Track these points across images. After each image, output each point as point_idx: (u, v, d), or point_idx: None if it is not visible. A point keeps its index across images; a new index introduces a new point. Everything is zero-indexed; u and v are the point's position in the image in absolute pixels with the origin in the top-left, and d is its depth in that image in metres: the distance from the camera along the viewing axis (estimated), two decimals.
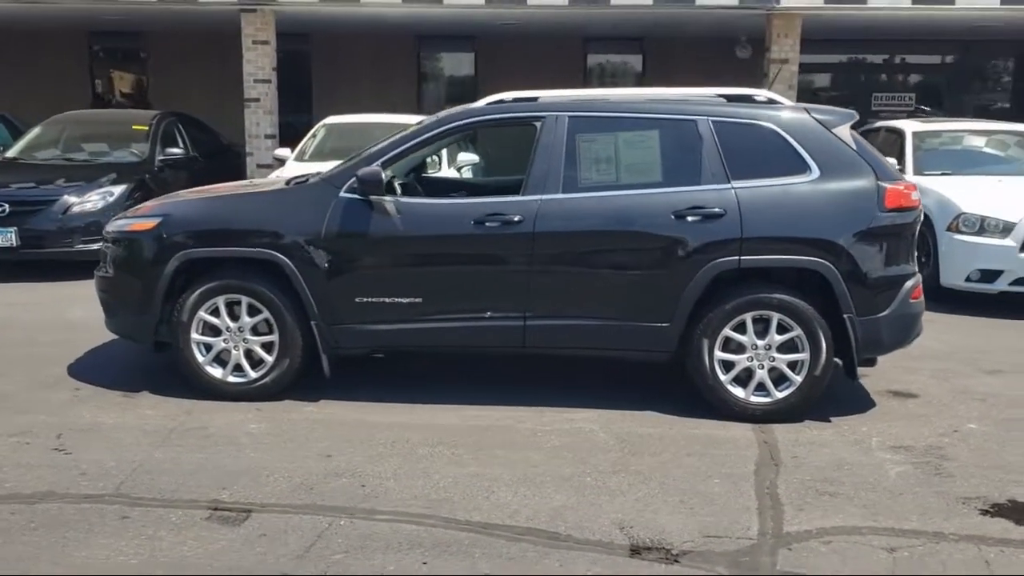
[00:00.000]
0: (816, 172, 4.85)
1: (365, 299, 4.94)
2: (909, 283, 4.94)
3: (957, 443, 4.67)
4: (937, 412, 5.14)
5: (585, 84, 15.34)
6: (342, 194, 4.95)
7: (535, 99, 5.19)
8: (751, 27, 12.04)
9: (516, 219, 4.85)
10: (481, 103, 6.07)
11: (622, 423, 4.85)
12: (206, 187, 6.10)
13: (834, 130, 4.96)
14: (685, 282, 4.81)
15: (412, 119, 10.65)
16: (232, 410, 4.92)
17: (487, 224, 4.86)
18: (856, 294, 4.79)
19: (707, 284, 4.81)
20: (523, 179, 4.95)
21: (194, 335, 5.03)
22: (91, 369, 5.63)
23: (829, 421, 4.94)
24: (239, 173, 12.31)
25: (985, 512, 3.87)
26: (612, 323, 4.92)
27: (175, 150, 10.20)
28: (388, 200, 4.90)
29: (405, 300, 4.94)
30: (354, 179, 4.91)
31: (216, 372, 5.07)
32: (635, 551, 3.47)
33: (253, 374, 5.05)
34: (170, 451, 4.35)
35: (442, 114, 5.18)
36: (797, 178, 4.86)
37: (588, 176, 4.96)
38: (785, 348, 4.86)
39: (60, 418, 4.77)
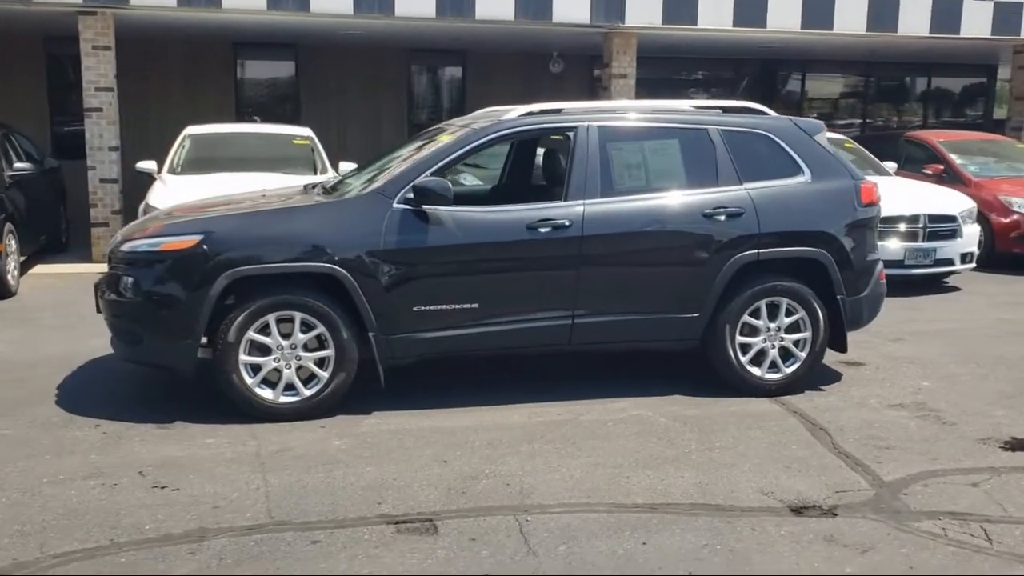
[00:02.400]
0: (808, 174, 5.57)
1: (423, 307, 4.99)
2: (879, 267, 5.80)
3: (931, 398, 5.55)
4: (890, 376, 6.05)
5: (409, 94, 15.51)
6: (395, 205, 4.96)
7: (559, 110, 5.47)
8: (588, 45, 12.86)
9: (566, 224, 5.12)
10: (477, 114, 6.28)
11: (666, 407, 5.27)
12: (208, 200, 5.77)
13: (815, 137, 5.71)
14: (714, 275, 5.34)
15: (276, 128, 10.42)
16: (295, 430, 4.77)
17: (540, 230, 5.09)
18: (845, 278, 5.56)
19: (732, 276, 5.36)
20: (563, 186, 5.24)
21: (243, 357, 4.81)
22: (86, 403, 5.13)
23: (822, 390, 5.68)
24: (63, 191, 11.24)
25: (1004, 448, 4.73)
26: (650, 316, 5.34)
27: (22, 164, 9.20)
28: (443, 209, 4.98)
29: (462, 306, 5.04)
30: (408, 189, 4.94)
31: (266, 394, 4.87)
32: (796, 511, 3.92)
33: (306, 392, 4.91)
34: (281, 475, 4.18)
35: (480, 125, 5.30)
36: (793, 180, 5.55)
37: (622, 181, 5.35)
38: (791, 329, 5.53)
39: (115, 456, 4.38)
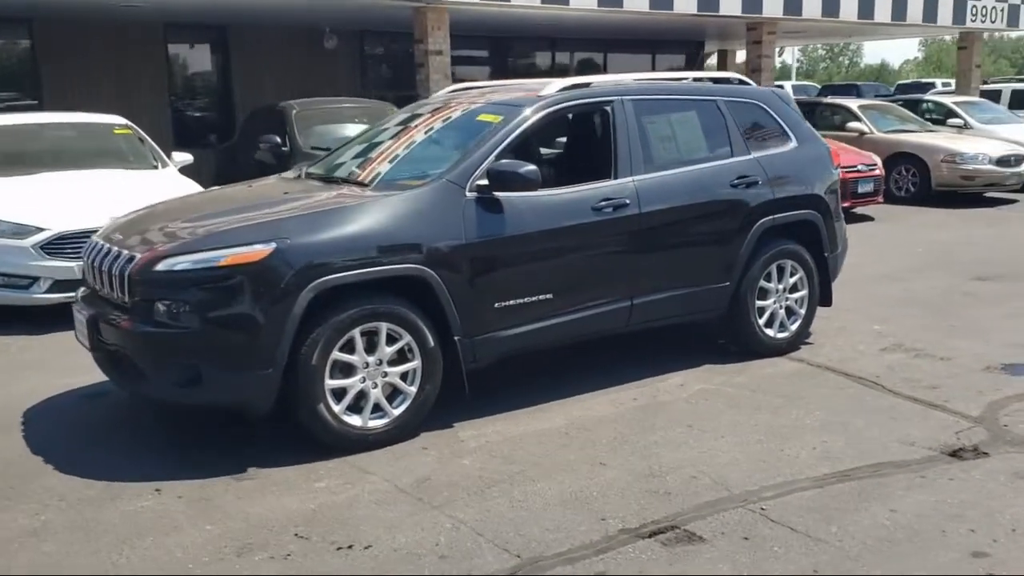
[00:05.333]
0: (795, 141, 5.85)
1: (504, 303, 4.57)
2: (845, 226, 6.26)
3: (899, 339, 6.09)
4: (846, 325, 6.55)
5: (169, 75, 13.85)
6: (468, 194, 4.48)
7: (589, 84, 5.23)
8: (400, 19, 12.32)
9: (626, 202, 4.95)
10: (443, 92, 5.84)
11: (715, 378, 5.32)
12: (230, 195, 4.79)
13: (790, 105, 6.01)
14: (741, 243, 5.45)
15: (87, 117, 8.88)
16: (400, 457, 4.18)
17: (604, 210, 4.87)
18: (829, 236, 5.95)
19: (755, 243, 5.51)
20: (611, 163, 5.04)
21: (328, 381, 4.10)
22: (100, 464, 4.09)
23: (811, 344, 6.05)
24: None
25: (1005, 372, 5.35)
26: (693, 290, 5.33)
27: None
28: (514, 195, 4.58)
29: (537, 298, 4.69)
30: (480, 176, 4.49)
31: (354, 420, 4.21)
32: (952, 455, 4.17)
33: (394, 412, 4.31)
34: (459, 508, 3.64)
35: (527, 104, 4.90)
36: (786, 147, 5.80)
37: (659, 156, 5.26)
38: (792, 289, 5.82)
39: (236, 522, 3.56)
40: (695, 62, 21.48)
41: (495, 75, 16.86)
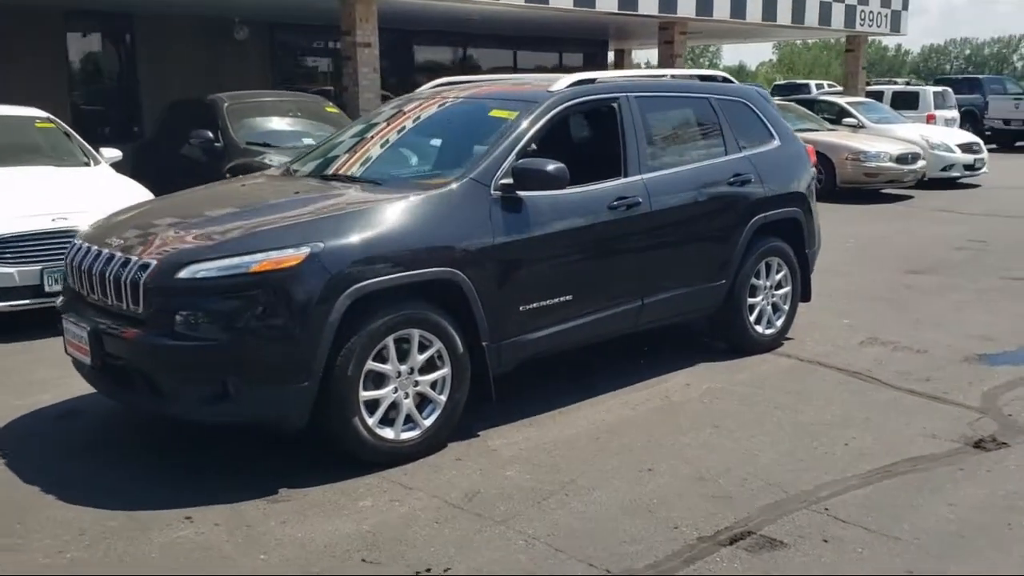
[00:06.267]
0: (777, 140, 5.92)
1: (528, 306, 4.42)
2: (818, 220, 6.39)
3: (872, 332, 6.27)
4: (814, 320, 6.69)
5: (68, 67, 12.93)
6: (493, 193, 4.30)
7: (594, 80, 5.11)
8: (318, 11, 11.86)
9: (639, 200, 4.87)
10: (427, 87, 5.65)
11: (717, 376, 5.31)
12: (230, 195, 4.40)
13: (771, 104, 6.08)
14: (736, 241, 5.47)
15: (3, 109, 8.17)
16: (438, 470, 3.98)
17: (618, 208, 4.79)
18: (809, 234, 6.06)
19: (748, 241, 5.54)
20: (620, 161, 4.95)
21: (362, 393, 3.86)
22: (115, 493, 3.72)
23: (792, 339, 6.13)
24: None
25: (982, 362, 5.58)
26: (694, 288, 5.31)
27: None
28: (537, 195, 4.42)
29: (558, 300, 4.56)
30: (504, 174, 4.32)
31: (387, 433, 3.98)
32: (976, 446, 4.28)
33: (425, 422, 4.10)
34: (526, 522, 3.47)
35: (541, 99, 4.73)
36: (769, 145, 5.85)
37: (662, 153, 5.21)
38: (777, 285, 5.89)
39: (294, 549, 3.29)
40: (595, 60, 21.71)
41: (404, 72, 16.55)
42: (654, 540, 3.36)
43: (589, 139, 5.17)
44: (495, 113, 4.73)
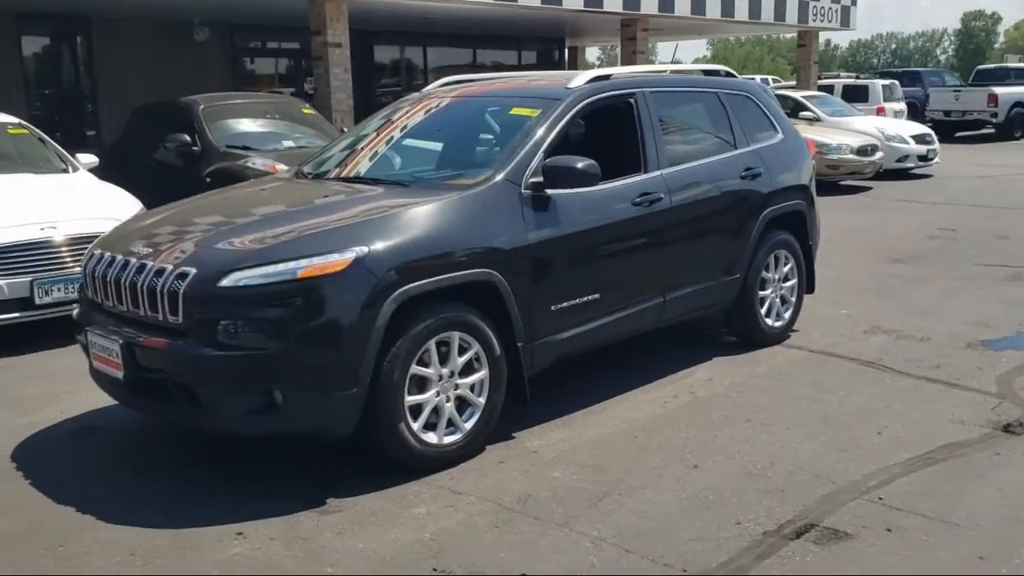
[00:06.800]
0: (781, 134, 5.97)
1: (559, 305, 4.38)
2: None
3: (874, 321, 6.37)
4: (814, 311, 6.76)
5: (23, 71, 12.48)
6: (524, 191, 4.25)
7: (610, 76, 5.08)
8: (282, 12, 11.63)
9: (660, 196, 4.86)
10: (433, 86, 5.58)
11: (736, 370, 5.34)
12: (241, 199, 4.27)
13: (773, 98, 6.12)
14: (749, 235, 5.49)
15: None
16: (483, 475, 3.91)
17: (641, 204, 4.77)
18: (812, 226, 6.12)
19: (760, 234, 5.57)
20: (639, 157, 4.93)
21: (407, 398, 3.78)
22: (153, 510, 3.58)
23: (798, 331, 6.19)
24: None
25: (978, 349, 5.68)
26: (711, 283, 5.33)
27: None
28: (566, 192, 4.38)
29: (588, 298, 4.53)
30: (535, 172, 4.27)
31: (431, 437, 3.90)
32: (1005, 430, 4.35)
33: (466, 425, 4.03)
34: (592, 522, 3.43)
35: (563, 96, 4.68)
36: (775, 139, 5.90)
37: (678, 148, 5.21)
38: (784, 278, 5.94)
39: (365, 560, 3.20)
40: (550, 58, 21.73)
41: (364, 72, 16.35)
42: (720, 537, 3.34)
43: (608, 135, 5.14)
44: (516, 111, 4.68)
